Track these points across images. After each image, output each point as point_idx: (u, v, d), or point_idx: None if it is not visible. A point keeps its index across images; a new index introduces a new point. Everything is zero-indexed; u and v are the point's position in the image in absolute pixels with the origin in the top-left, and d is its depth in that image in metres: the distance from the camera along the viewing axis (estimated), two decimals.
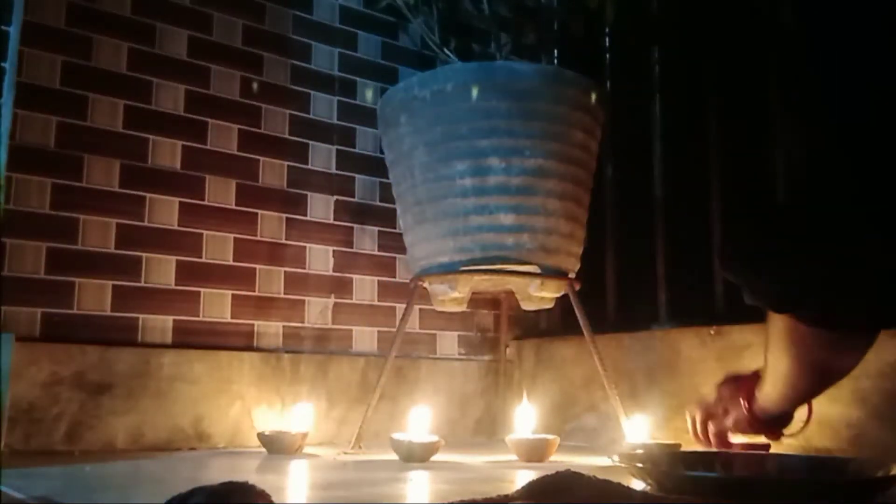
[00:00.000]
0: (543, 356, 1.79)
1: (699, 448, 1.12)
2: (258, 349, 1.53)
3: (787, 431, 1.07)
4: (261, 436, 1.35)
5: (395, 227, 1.71)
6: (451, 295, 1.40)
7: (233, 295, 1.53)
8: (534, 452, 1.22)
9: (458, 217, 1.35)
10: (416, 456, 1.20)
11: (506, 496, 0.68)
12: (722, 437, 1.10)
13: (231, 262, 1.53)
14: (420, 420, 1.29)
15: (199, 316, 1.48)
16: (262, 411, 1.49)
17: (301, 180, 1.65)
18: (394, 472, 1.09)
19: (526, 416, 1.33)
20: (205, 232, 1.51)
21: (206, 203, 1.52)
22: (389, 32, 1.82)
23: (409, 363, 1.70)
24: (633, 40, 1.77)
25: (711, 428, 1.10)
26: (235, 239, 1.55)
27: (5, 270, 1.29)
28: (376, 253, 1.73)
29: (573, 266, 1.43)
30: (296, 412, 1.44)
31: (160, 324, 1.44)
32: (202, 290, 1.49)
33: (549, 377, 1.76)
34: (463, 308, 1.49)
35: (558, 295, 1.44)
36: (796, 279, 0.78)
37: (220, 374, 1.46)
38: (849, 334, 0.83)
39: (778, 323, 0.87)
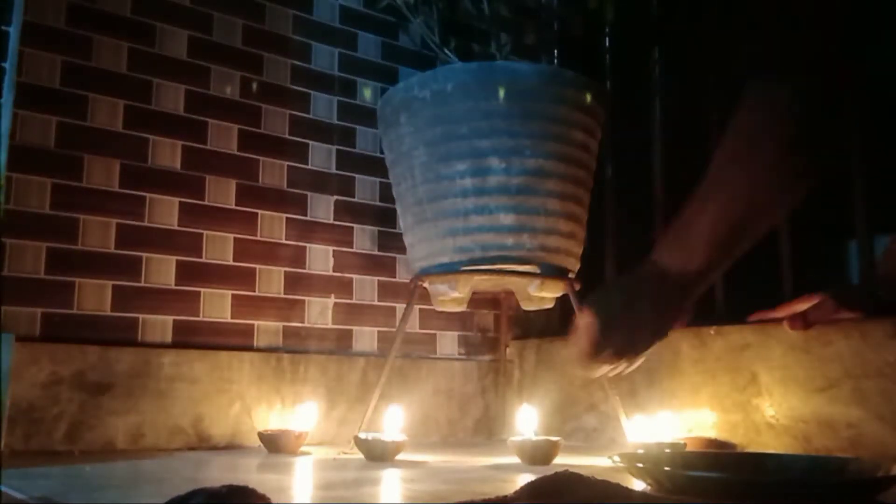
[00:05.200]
0: (543, 356, 1.79)
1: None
2: (258, 349, 1.53)
3: (632, 365, 0.92)
4: (261, 435, 1.35)
5: (395, 227, 1.71)
6: (451, 295, 1.40)
7: (233, 295, 1.53)
8: (537, 455, 1.22)
9: (458, 217, 1.36)
10: None
11: (505, 497, 0.68)
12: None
13: (231, 262, 1.53)
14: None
15: (199, 316, 1.48)
16: (261, 411, 1.49)
17: (301, 180, 1.65)
18: (394, 472, 1.09)
19: (528, 418, 1.32)
20: (205, 232, 1.51)
21: (206, 203, 1.52)
22: (389, 32, 1.82)
23: (409, 363, 1.70)
24: (633, 40, 1.78)
25: (624, 366, 0.92)
26: (235, 239, 1.55)
27: (5, 270, 1.30)
28: (376, 253, 1.73)
29: (573, 266, 1.43)
30: (299, 411, 1.44)
31: (160, 324, 1.44)
32: (202, 290, 1.49)
33: (550, 377, 1.76)
34: (463, 308, 1.49)
35: (558, 295, 1.45)
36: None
37: (220, 374, 1.46)
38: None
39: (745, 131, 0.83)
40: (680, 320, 0.92)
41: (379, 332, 1.70)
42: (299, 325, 1.60)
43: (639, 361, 0.93)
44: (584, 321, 0.88)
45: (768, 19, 0.83)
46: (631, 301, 0.89)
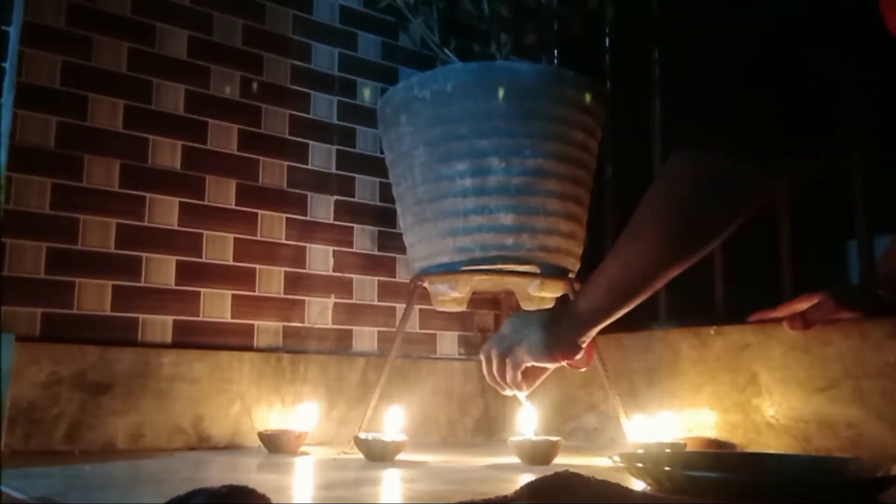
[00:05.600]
0: None
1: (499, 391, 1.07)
2: (258, 349, 1.53)
3: (572, 362, 1.01)
4: (261, 435, 1.35)
5: (395, 227, 1.71)
6: (451, 295, 1.40)
7: (233, 295, 1.53)
8: (537, 455, 1.22)
9: (458, 217, 1.36)
10: None
11: (505, 497, 0.68)
12: (516, 370, 1.03)
13: (231, 262, 1.53)
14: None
15: (199, 316, 1.48)
16: (261, 411, 1.49)
17: (301, 180, 1.65)
18: (394, 472, 1.09)
19: (528, 418, 1.32)
20: (205, 232, 1.51)
21: (206, 203, 1.52)
22: (389, 32, 1.82)
23: (409, 363, 1.70)
24: (633, 40, 1.78)
25: (509, 363, 1.03)
26: (235, 239, 1.55)
27: (5, 270, 1.30)
28: (376, 253, 1.73)
29: (573, 266, 1.43)
30: (299, 411, 1.44)
31: (160, 324, 1.44)
32: (202, 290, 1.49)
33: (549, 377, 1.76)
34: (463, 308, 1.49)
35: (558, 295, 1.45)
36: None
37: (220, 374, 1.46)
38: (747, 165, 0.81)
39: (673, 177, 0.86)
40: (569, 354, 1.01)
41: (379, 332, 1.70)
42: (299, 325, 1.60)
43: (519, 387, 1.05)
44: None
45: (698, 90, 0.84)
46: (527, 322, 1.02)
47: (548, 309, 1.02)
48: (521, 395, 1.09)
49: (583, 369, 1.06)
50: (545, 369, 1.06)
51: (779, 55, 0.74)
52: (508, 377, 1.04)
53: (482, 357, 1.08)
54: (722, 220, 0.86)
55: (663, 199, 0.87)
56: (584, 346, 1.02)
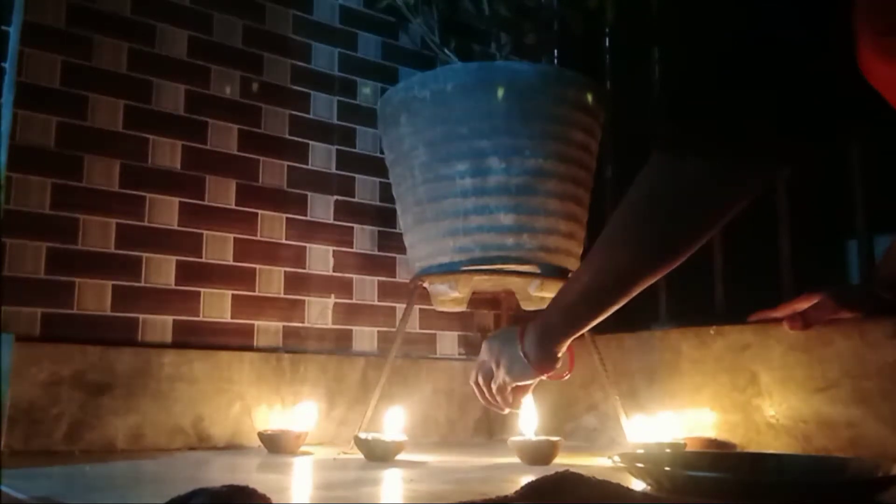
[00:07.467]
0: None
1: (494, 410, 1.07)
2: (258, 349, 1.53)
3: (553, 374, 1.00)
4: (261, 435, 1.35)
5: (395, 227, 1.71)
6: (451, 295, 1.40)
7: (233, 295, 1.53)
8: (538, 455, 1.22)
9: (458, 217, 1.36)
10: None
11: (505, 497, 0.68)
12: (503, 392, 1.03)
13: (231, 262, 1.53)
14: None
15: (199, 316, 1.48)
16: (261, 411, 1.49)
17: (301, 180, 1.65)
18: (394, 472, 1.09)
19: (528, 418, 1.32)
20: (205, 232, 1.51)
21: (206, 203, 1.52)
22: (389, 32, 1.82)
23: (409, 363, 1.70)
24: (633, 40, 1.77)
25: (495, 387, 1.03)
26: (235, 239, 1.55)
27: (5, 270, 1.30)
28: (376, 253, 1.73)
29: (573, 266, 1.43)
30: (299, 411, 1.44)
31: (160, 324, 1.44)
32: (202, 290, 1.49)
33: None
34: (463, 308, 1.49)
35: None
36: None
37: (220, 374, 1.46)
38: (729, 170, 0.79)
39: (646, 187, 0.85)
40: (547, 367, 0.99)
41: (379, 332, 1.70)
42: (299, 325, 1.60)
43: (513, 406, 1.05)
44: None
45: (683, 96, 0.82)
46: (502, 343, 1.01)
47: (520, 325, 1.01)
48: (521, 410, 1.09)
49: (566, 377, 1.05)
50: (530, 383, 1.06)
51: (763, 59, 0.74)
52: (500, 401, 1.05)
53: (472, 386, 1.09)
54: (700, 227, 0.84)
55: (639, 204, 0.85)
56: (561, 355, 1.01)
